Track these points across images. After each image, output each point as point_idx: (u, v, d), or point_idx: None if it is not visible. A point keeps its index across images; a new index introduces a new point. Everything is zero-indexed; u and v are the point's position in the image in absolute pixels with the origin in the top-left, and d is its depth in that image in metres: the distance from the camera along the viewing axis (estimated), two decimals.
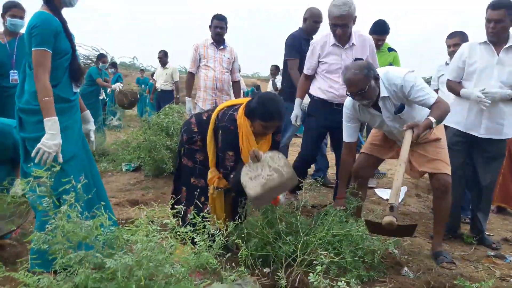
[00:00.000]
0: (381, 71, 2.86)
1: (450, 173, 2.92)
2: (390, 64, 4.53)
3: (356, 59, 3.43)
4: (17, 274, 1.50)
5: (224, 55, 4.78)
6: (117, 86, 7.96)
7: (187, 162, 2.85)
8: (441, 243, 3.10)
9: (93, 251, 1.65)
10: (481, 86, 3.22)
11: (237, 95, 4.97)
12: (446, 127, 3.36)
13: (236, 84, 4.99)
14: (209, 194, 2.74)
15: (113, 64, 10.43)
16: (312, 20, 4.35)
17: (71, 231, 1.62)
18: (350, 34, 3.46)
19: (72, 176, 1.89)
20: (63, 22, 2.40)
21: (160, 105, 8.19)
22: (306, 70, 3.70)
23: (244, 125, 2.64)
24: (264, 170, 2.61)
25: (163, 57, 8.50)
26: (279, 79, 10.86)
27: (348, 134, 3.09)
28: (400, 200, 4.69)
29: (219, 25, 4.71)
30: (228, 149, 2.65)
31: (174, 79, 8.47)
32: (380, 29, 4.65)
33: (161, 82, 8.54)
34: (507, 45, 3.19)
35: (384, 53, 4.75)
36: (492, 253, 3.22)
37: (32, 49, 2.27)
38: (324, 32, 3.65)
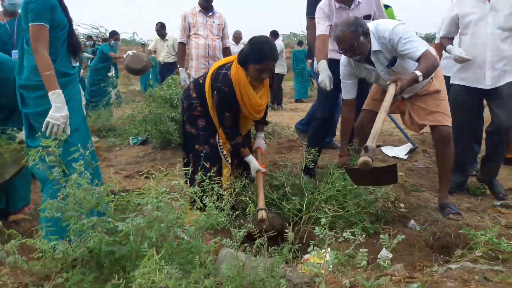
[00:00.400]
0: (371, 24, 2.84)
1: (450, 124, 2.93)
2: None
3: (364, 16, 3.35)
4: (33, 240, 1.57)
5: (214, 22, 4.69)
6: (129, 52, 7.82)
7: (190, 129, 2.87)
8: (447, 195, 3.13)
9: (105, 217, 1.71)
10: (479, 36, 3.19)
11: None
12: (450, 83, 3.37)
13: (227, 50, 4.91)
14: (225, 150, 2.84)
15: (89, 37, 10.49)
16: None
17: (83, 198, 1.68)
18: None
19: (79, 145, 1.93)
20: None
21: (165, 78, 8.06)
22: (323, 31, 3.42)
23: (241, 78, 2.65)
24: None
25: (161, 29, 8.35)
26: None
27: (346, 91, 3.09)
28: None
29: None
30: (224, 110, 2.69)
31: (175, 49, 8.25)
32: None
33: (163, 55, 8.36)
34: None
35: None
36: (498, 203, 3.25)
37: (29, 24, 2.28)
38: None
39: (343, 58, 3.02)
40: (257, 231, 1.92)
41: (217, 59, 4.64)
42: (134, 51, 7.82)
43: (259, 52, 2.58)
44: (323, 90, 3.59)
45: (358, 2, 3.38)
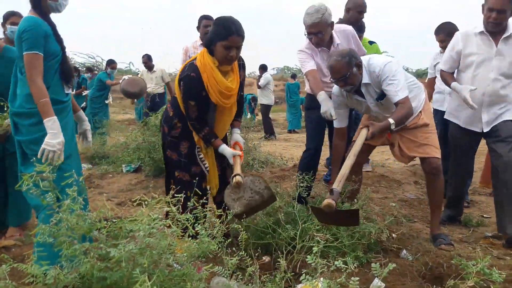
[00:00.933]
0: (364, 58, 2.93)
1: (439, 156, 2.99)
2: None
3: None
4: (24, 265, 1.56)
5: None
6: (125, 76, 7.86)
7: (171, 154, 2.79)
8: (439, 226, 3.15)
9: (97, 243, 1.70)
10: (479, 79, 3.12)
11: None
12: (448, 120, 3.41)
13: None
14: (202, 153, 2.77)
15: (89, 69, 10.62)
16: (356, 10, 4.14)
17: (76, 223, 1.68)
18: (332, 37, 3.39)
19: (73, 171, 1.94)
20: (52, 25, 2.46)
21: (153, 108, 7.89)
22: (311, 67, 3.42)
23: (206, 63, 2.59)
24: (246, 193, 2.62)
25: (148, 61, 8.50)
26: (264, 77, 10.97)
27: (338, 120, 3.13)
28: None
29: (208, 24, 4.57)
30: (189, 99, 2.61)
31: (165, 80, 8.45)
32: (356, 29, 4.58)
33: (152, 86, 8.40)
34: (505, 35, 3.06)
35: (367, 47, 4.71)
36: (490, 234, 3.26)
37: (24, 53, 2.32)
38: (305, 38, 3.45)
39: (335, 88, 3.09)
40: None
41: None
42: (130, 76, 7.94)
43: (224, 28, 2.53)
44: (311, 121, 3.72)
45: (337, 44, 3.39)
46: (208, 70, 2.59)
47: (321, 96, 3.22)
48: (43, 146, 2.28)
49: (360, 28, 4.56)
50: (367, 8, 4.21)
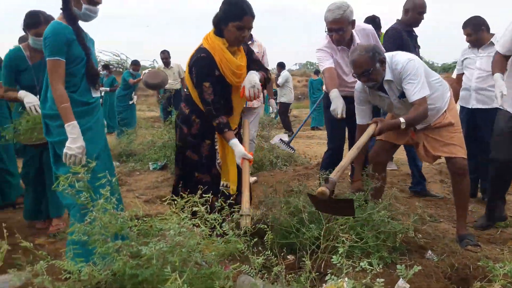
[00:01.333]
0: (389, 54, 2.92)
1: (465, 156, 2.96)
2: None
3: None
4: (61, 262, 1.64)
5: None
6: (146, 70, 8.21)
7: (191, 155, 2.74)
8: (466, 226, 3.12)
9: (129, 241, 1.77)
10: None
11: (269, 91, 4.54)
12: (500, 110, 3.18)
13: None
14: (218, 146, 2.71)
15: (105, 67, 10.73)
16: (416, 11, 4.03)
17: (108, 222, 1.75)
18: (352, 35, 3.39)
19: (100, 173, 2.01)
20: (77, 31, 2.52)
21: (169, 104, 7.97)
22: (329, 65, 3.44)
23: (215, 45, 2.55)
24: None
25: (168, 57, 8.62)
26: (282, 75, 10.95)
27: (360, 116, 3.13)
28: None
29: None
30: (203, 80, 2.54)
31: (180, 75, 8.57)
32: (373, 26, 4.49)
33: (170, 82, 8.48)
34: None
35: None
36: None
37: (46, 59, 2.41)
38: (325, 37, 3.46)
39: (358, 84, 3.08)
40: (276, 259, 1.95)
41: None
42: (151, 69, 8.18)
43: (237, 8, 2.49)
44: (331, 121, 3.64)
45: (357, 43, 3.36)
46: (218, 51, 2.55)
47: (333, 94, 3.24)
48: (64, 150, 2.37)
49: (377, 26, 4.52)
50: (427, 8, 4.07)
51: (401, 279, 2.22)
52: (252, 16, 2.53)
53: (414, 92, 2.78)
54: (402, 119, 2.76)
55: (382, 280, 1.66)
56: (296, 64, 25.54)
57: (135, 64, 9.27)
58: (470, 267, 2.45)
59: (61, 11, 2.53)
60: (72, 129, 2.38)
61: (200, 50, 2.59)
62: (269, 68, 4.66)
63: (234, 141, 2.56)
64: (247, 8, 2.51)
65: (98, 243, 1.73)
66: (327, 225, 2.56)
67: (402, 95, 2.90)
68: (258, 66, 2.85)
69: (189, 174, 2.76)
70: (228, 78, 2.61)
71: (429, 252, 2.70)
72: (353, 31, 3.38)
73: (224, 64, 2.56)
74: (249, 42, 4.36)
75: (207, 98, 2.55)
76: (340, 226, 2.55)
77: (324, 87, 3.77)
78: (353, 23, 3.30)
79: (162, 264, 1.67)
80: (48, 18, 3.07)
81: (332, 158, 3.69)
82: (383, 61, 2.83)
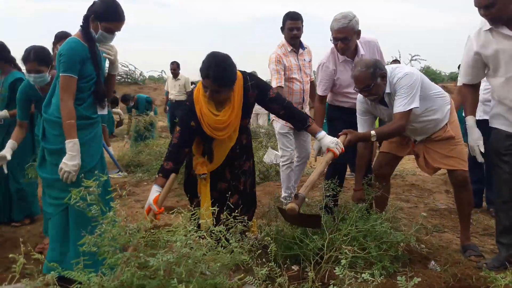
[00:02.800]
0: (390, 67, 2.96)
1: (466, 169, 2.99)
2: None
3: None
4: (72, 272, 1.70)
5: (305, 59, 4.04)
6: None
7: (193, 173, 2.82)
8: (469, 237, 3.14)
9: (137, 252, 1.83)
10: None
11: (312, 96, 4.20)
12: (493, 128, 2.83)
13: (311, 84, 4.22)
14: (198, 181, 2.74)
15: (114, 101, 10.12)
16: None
17: (117, 234, 1.81)
18: (357, 46, 3.43)
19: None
20: (92, 49, 2.60)
21: (174, 115, 8.39)
22: (324, 92, 3.57)
23: (201, 94, 2.57)
24: None
25: (176, 68, 8.80)
26: None
27: (363, 127, 3.15)
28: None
29: (295, 25, 3.89)
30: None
31: (186, 89, 8.73)
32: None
33: (174, 93, 8.79)
34: None
35: None
36: None
37: (60, 74, 2.50)
38: (328, 49, 3.52)
39: (359, 95, 3.11)
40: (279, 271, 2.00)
41: (308, 104, 4.18)
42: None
43: (203, 68, 2.47)
44: (334, 132, 3.54)
45: (361, 54, 3.41)
46: (200, 103, 2.58)
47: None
48: (60, 165, 2.44)
49: None
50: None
51: None
52: (214, 80, 2.44)
53: (399, 105, 2.83)
54: (373, 132, 2.86)
55: None
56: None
57: (126, 100, 9.47)
58: (472, 278, 2.47)
59: (80, 28, 2.62)
60: (73, 146, 2.45)
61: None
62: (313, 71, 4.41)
63: (155, 187, 2.54)
64: (211, 72, 2.42)
65: (108, 254, 1.79)
66: (331, 236, 2.60)
67: None
68: (290, 111, 2.79)
69: (193, 189, 2.84)
70: (206, 130, 2.59)
71: (432, 262, 2.73)
72: (358, 42, 3.42)
73: (204, 117, 2.57)
74: (301, 51, 4.02)
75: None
76: (343, 237, 2.59)
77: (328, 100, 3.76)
78: (358, 33, 3.34)
79: (168, 275, 1.73)
80: (38, 54, 3.07)
81: (336, 170, 3.63)
82: (384, 76, 2.87)
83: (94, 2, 2.59)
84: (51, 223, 2.61)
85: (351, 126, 3.45)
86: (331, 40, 3.38)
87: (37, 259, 1.72)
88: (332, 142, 2.70)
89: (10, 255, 1.68)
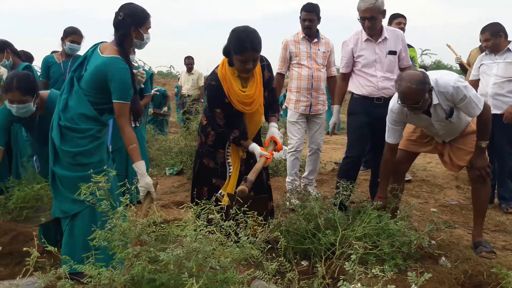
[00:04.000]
0: (431, 79, 2.78)
1: (488, 164, 2.95)
2: (411, 59, 4.28)
3: (390, 52, 3.58)
4: (83, 266, 1.71)
5: (319, 49, 4.17)
6: None
7: (208, 163, 2.89)
8: (481, 233, 3.12)
9: (147, 246, 1.84)
10: None
11: (332, 93, 4.31)
12: None
13: (332, 80, 4.37)
14: (231, 157, 2.86)
15: None
16: None
17: (128, 228, 1.82)
18: (382, 28, 3.56)
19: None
20: (130, 67, 2.58)
21: (191, 112, 8.20)
22: (343, 69, 3.76)
23: (226, 72, 2.66)
24: None
25: (192, 63, 8.79)
26: None
27: (394, 137, 3.06)
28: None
29: (307, 17, 4.09)
30: (215, 107, 2.70)
31: (199, 83, 8.72)
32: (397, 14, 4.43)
33: (188, 87, 8.78)
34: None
35: None
36: None
37: (115, 101, 2.49)
38: (354, 30, 3.74)
39: (395, 105, 2.95)
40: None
41: (321, 92, 4.25)
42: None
43: (239, 43, 2.54)
44: (353, 128, 3.72)
45: (385, 37, 3.55)
46: (228, 80, 2.66)
47: (335, 109, 3.88)
48: (143, 187, 2.46)
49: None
50: None
51: (413, 285, 2.24)
52: (254, 50, 2.57)
53: (477, 105, 2.78)
54: (481, 143, 2.87)
55: (394, 286, 1.69)
56: None
57: None
58: (483, 274, 2.46)
59: (113, 45, 2.56)
60: (141, 166, 2.50)
61: (213, 76, 2.72)
62: (335, 66, 4.47)
63: (252, 146, 2.77)
64: (248, 43, 2.54)
65: (118, 249, 1.80)
66: (343, 232, 2.60)
67: (450, 115, 2.86)
68: (272, 97, 3.00)
69: (206, 180, 2.89)
70: (236, 106, 2.71)
71: (443, 258, 2.72)
72: (384, 27, 3.58)
73: (232, 94, 2.68)
74: (315, 40, 4.17)
75: (219, 122, 2.73)
76: (356, 234, 2.59)
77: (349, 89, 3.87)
78: (384, 12, 3.50)
79: (179, 269, 1.73)
80: (22, 83, 2.76)
81: (350, 167, 3.65)
82: (431, 90, 2.76)
83: (121, 13, 2.55)
84: (77, 220, 2.59)
85: (368, 119, 3.61)
86: (358, 19, 3.53)
87: (50, 251, 1.74)
88: (278, 134, 2.95)
89: (24, 249, 1.69)
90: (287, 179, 4.39)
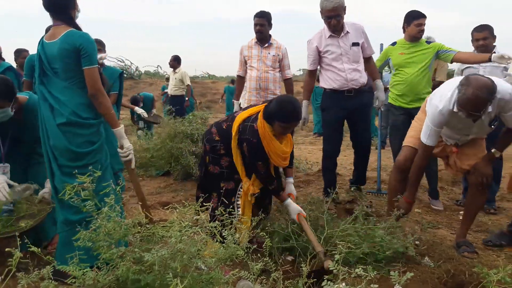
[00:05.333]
0: None
1: (491, 172, 2.95)
2: (437, 54, 4.09)
3: (353, 43, 3.84)
4: (67, 267, 1.70)
5: (269, 53, 4.51)
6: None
7: (213, 169, 2.98)
8: (465, 234, 3.15)
9: (132, 247, 1.84)
10: None
11: (289, 93, 4.59)
12: None
13: (288, 82, 4.71)
14: (245, 201, 2.92)
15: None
16: None
17: (113, 229, 1.82)
18: (343, 24, 3.81)
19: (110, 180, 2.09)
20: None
21: (177, 113, 7.70)
22: (310, 66, 4.01)
23: (266, 132, 2.79)
24: None
25: (174, 62, 8.63)
26: None
27: (434, 139, 2.94)
28: None
29: (258, 22, 4.48)
30: (257, 160, 2.84)
31: (184, 83, 8.62)
32: (418, 13, 4.15)
33: (171, 87, 8.68)
34: None
35: (422, 46, 4.16)
36: None
37: (86, 67, 2.48)
38: (316, 31, 3.99)
39: (447, 109, 2.78)
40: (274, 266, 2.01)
41: (270, 92, 4.51)
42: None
43: (285, 113, 2.73)
44: (327, 123, 4.04)
45: (347, 31, 3.84)
46: (267, 137, 2.80)
47: (303, 104, 4.02)
48: (128, 150, 2.59)
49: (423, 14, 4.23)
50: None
51: (397, 285, 2.27)
52: (298, 120, 2.85)
53: None
54: (494, 150, 2.89)
55: (376, 286, 1.71)
56: (299, 69, 25.46)
57: None
58: (465, 273, 2.50)
59: (64, 23, 2.57)
60: (121, 130, 2.61)
61: (252, 132, 2.80)
62: (291, 71, 4.70)
63: (288, 202, 2.90)
64: (294, 114, 2.75)
65: (103, 249, 1.79)
66: (328, 231, 2.63)
67: (493, 121, 2.81)
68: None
69: (214, 185, 3.00)
70: (275, 161, 2.89)
71: (426, 258, 2.75)
72: (344, 21, 3.81)
73: (271, 150, 2.83)
74: (266, 45, 4.51)
75: (260, 170, 2.87)
76: (340, 233, 2.61)
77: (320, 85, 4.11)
78: (345, 9, 3.75)
79: (164, 269, 1.73)
80: None
81: (328, 162, 4.04)
82: (493, 99, 2.63)
83: None
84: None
85: (341, 112, 3.90)
86: (323, 18, 3.75)
87: (33, 252, 1.72)
88: (294, 190, 3.14)
89: (7, 249, 1.68)
90: None
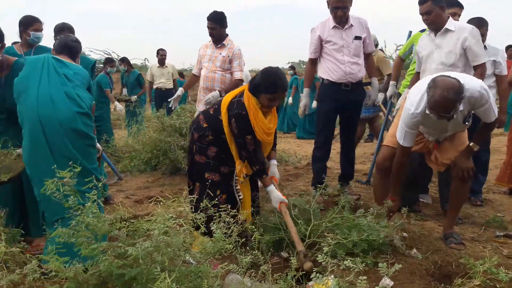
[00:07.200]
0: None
1: (472, 165, 2.96)
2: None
3: (356, 37, 3.86)
4: (47, 258, 1.66)
5: (220, 53, 4.49)
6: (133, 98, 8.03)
7: (199, 159, 2.94)
8: (452, 226, 3.16)
9: (116, 242, 1.80)
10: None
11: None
12: None
13: (238, 82, 4.47)
14: (239, 184, 2.91)
15: (122, 59, 9.26)
16: None
17: (96, 224, 1.78)
18: (348, 17, 3.83)
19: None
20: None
21: (161, 103, 7.86)
22: (311, 54, 4.03)
23: (252, 104, 2.78)
24: None
25: (164, 57, 8.61)
26: None
27: (409, 140, 2.94)
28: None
29: (209, 25, 4.47)
30: (245, 134, 2.80)
31: (173, 76, 8.66)
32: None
33: (163, 81, 8.58)
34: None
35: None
36: (501, 233, 3.29)
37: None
38: (322, 19, 4.02)
39: (418, 110, 2.80)
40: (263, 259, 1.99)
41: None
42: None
43: (271, 83, 2.73)
44: (321, 114, 4.08)
45: (351, 24, 3.86)
46: (253, 110, 2.79)
47: (304, 92, 4.17)
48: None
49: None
50: None
51: (385, 276, 2.27)
52: (284, 90, 2.84)
53: (494, 112, 2.80)
54: (472, 144, 2.90)
55: (365, 278, 1.71)
56: (289, 62, 25.41)
57: (110, 62, 8.47)
58: (452, 264, 2.52)
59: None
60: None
61: (240, 104, 2.80)
62: (242, 72, 4.55)
63: (270, 188, 2.85)
64: (279, 85, 2.76)
65: (84, 245, 1.75)
66: (315, 222, 2.62)
67: (465, 119, 2.83)
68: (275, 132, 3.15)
69: (198, 175, 2.96)
70: (259, 136, 2.84)
71: (414, 250, 2.76)
72: (349, 14, 3.84)
73: (256, 124, 2.80)
74: (218, 46, 4.48)
75: (249, 148, 2.82)
76: (327, 224, 2.61)
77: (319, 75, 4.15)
78: (351, 1, 3.79)
79: (150, 263, 1.70)
80: None
81: (320, 153, 4.07)
82: (463, 98, 2.65)
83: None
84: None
85: (335, 105, 3.96)
86: (329, 8, 3.78)
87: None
88: (277, 173, 3.12)
89: None
90: None
